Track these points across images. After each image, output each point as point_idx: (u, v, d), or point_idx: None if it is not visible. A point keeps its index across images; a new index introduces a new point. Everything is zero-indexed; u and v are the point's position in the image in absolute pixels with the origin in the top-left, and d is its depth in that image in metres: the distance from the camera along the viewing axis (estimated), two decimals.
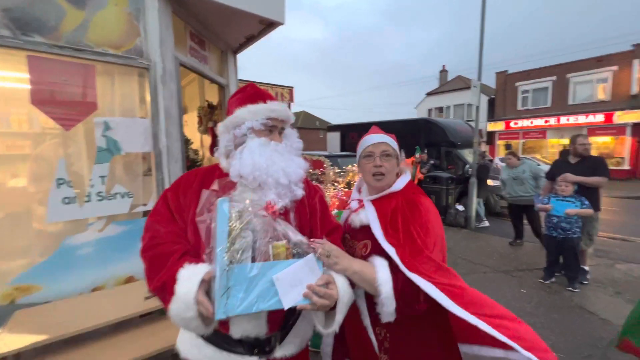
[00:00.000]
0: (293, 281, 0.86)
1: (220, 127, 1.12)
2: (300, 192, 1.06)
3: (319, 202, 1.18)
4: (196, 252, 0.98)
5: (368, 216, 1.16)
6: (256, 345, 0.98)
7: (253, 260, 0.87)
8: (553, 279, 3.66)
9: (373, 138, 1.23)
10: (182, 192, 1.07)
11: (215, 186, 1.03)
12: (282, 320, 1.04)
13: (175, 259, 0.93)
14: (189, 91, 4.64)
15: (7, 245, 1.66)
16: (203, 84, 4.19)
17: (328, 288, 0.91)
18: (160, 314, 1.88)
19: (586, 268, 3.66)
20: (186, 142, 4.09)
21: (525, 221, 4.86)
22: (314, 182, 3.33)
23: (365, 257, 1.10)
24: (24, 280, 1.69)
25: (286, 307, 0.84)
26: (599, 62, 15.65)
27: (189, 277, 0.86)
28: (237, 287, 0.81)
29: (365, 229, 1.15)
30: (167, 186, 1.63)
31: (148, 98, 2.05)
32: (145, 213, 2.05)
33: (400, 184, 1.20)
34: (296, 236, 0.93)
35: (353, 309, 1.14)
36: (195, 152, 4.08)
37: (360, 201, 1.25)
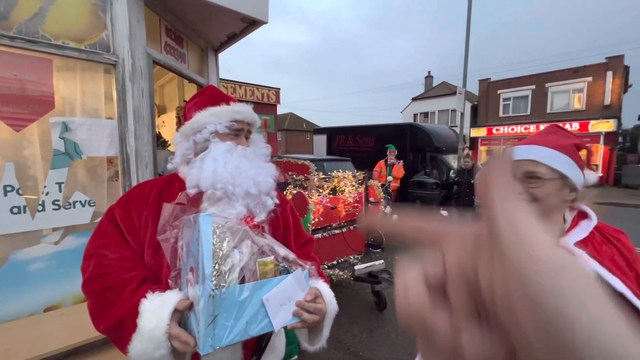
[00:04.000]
0: (282, 299, 0.77)
1: (176, 136, 1.00)
2: (270, 203, 0.97)
3: (291, 213, 1.10)
4: (157, 278, 0.86)
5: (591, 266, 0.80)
6: None
7: (242, 281, 0.74)
8: None
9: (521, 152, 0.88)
10: (136, 209, 0.93)
11: (182, 199, 0.91)
12: (256, 344, 0.94)
13: (133, 289, 0.79)
14: (168, 90, 4.43)
15: None
16: (182, 83, 3.99)
17: (316, 302, 0.82)
18: None
19: None
20: (164, 143, 3.89)
21: None
22: (297, 189, 3.22)
23: None
24: None
25: (277, 329, 0.74)
26: (575, 73, 16.34)
27: (155, 308, 0.73)
28: (226, 314, 0.69)
29: None
30: None
31: (115, 97, 1.87)
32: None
33: (594, 217, 0.90)
34: (283, 251, 0.83)
35: None
36: (173, 153, 3.89)
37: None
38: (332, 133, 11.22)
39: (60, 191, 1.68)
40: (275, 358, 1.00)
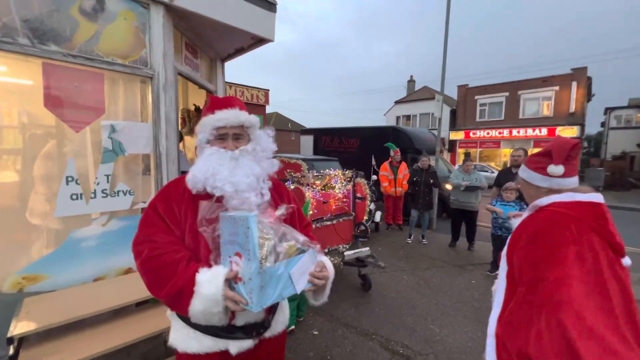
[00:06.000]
0: (301, 271, 1.08)
1: None
2: (254, 200, 1.09)
3: (294, 202, 1.33)
4: (196, 256, 1.06)
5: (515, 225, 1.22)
6: (254, 329, 1.14)
7: (276, 260, 1.04)
8: (497, 271, 4.26)
9: None
10: (175, 203, 1.11)
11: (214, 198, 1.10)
12: (272, 306, 1.21)
13: (184, 266, 1.00)
14: None
15: (17, 237, 1.78)
16: (187, 86, 4.31)
17: (323, 271, 1.14)
18: (154, 302, 2.06)
19: None
20: None
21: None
22: (294, 185, 3.63)
23: None
24: (32, 270, 1.81)
25: (299, 292, 1.06)
26: (544, 82, 17.56)
27: (210, 279, 0.95)
28: (269, 284, 0.99)
29: None
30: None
31: (150, 104, 2.23)
32: (143, 210, 2.22)
33: (544, 200, 1.13)
34: (300, 236, 1.14)
35: None
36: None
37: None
38: (319, 134, 11.61)
39: (108, 182, 2.03)
40: (283, 315, 1.33)
